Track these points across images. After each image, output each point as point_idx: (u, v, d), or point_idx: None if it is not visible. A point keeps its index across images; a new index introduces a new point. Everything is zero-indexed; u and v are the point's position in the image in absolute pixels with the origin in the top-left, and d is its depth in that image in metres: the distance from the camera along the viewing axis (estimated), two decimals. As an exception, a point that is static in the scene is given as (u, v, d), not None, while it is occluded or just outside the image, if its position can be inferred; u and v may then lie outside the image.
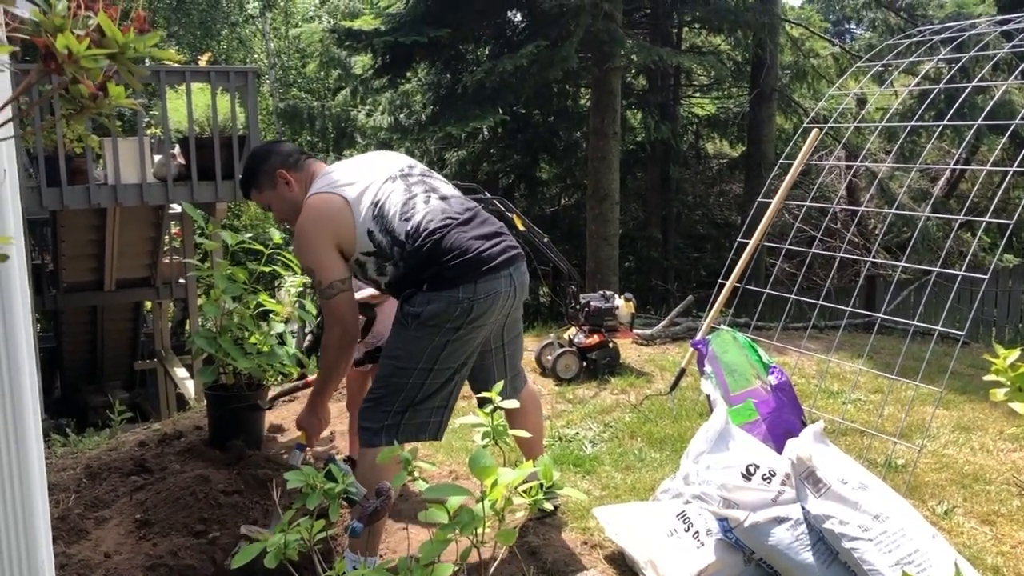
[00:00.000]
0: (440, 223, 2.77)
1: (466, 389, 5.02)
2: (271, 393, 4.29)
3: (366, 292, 3.54)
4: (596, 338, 5.47)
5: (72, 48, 1.04)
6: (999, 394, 3.67)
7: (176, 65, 7.29)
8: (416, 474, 2.30)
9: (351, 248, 2.80)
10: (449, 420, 2.92)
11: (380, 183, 2.84)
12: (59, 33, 1.05)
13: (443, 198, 2.88)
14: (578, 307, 5.55)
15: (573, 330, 5.59)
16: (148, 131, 8.24)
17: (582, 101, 12.99)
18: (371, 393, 2.84)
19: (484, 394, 2.26)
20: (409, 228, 2.75)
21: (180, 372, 9.42)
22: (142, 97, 7.02)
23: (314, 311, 4.33)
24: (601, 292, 5.69)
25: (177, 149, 7.37)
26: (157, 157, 7.40)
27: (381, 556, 3.15)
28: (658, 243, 13.21)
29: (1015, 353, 3.64)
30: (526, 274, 2.95)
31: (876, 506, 2.63)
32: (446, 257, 2.72)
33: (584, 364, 5.48)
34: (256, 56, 22.35)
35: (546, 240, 5.48)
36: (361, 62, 12.49)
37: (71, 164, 6.91)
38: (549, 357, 5.51)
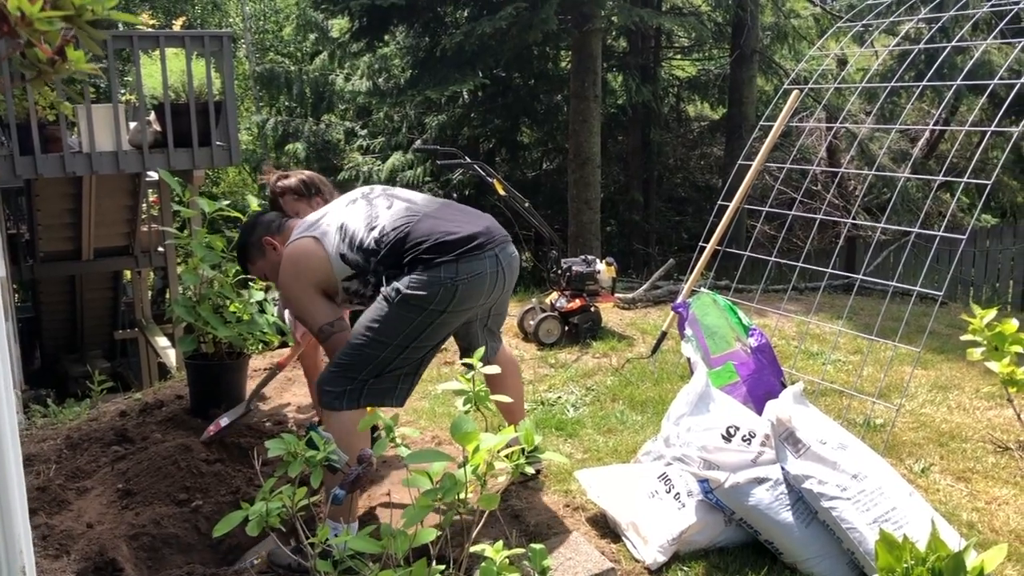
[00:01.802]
0: (404, 218, 2.81)
1: (448, 354, 5.04)
2: (248, 392, 4.19)
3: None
4: (578, 302, 5.47)
5: (25, 10, 1.00)
6: (976, 353, 3.73)
7: (149, 30, 7.14)
8: (399, 440, 2.31)
9: (332, 281, 2.84)
10: (415, 387, 2.92)
11: (342, 209, 2.92)
12: (12, -5, 1.01)
13: (407, 200, 2.93)
14: (560, 272, 5.55)
15: (555, 295, 5.59)
16: (123, 98, 8.09)
17: (563, 64, 12.87)
18: (339, 358, 2.81)
19: (466, 360, 2.25)
20: (376, 235, 2.79)
21: (161, 341, 9.36)
22: (102, 62, 6.86)
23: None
24: (583, 256, 5.69)
25: (152, 116, 7.26)
26: (132, 124, 7.28)
27: (364, 522, 3.17)
28: (639, 207, 13.19)
29: (991, 313, 3.68)
30: (515, 256, 2.94)
31: (854, 465, 2.67)
32: (419, 242, 2.73)
33: (566, 328, 5.49)
34: (232, 20, 21.98)
35: (527, 205, 5.46)
36: (338, 25, 12.31)
37: (44, 132, 6.78)
38: (531, 322, 5.52)
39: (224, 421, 3.72)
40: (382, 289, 2.78)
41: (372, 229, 2.79)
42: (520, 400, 3.42)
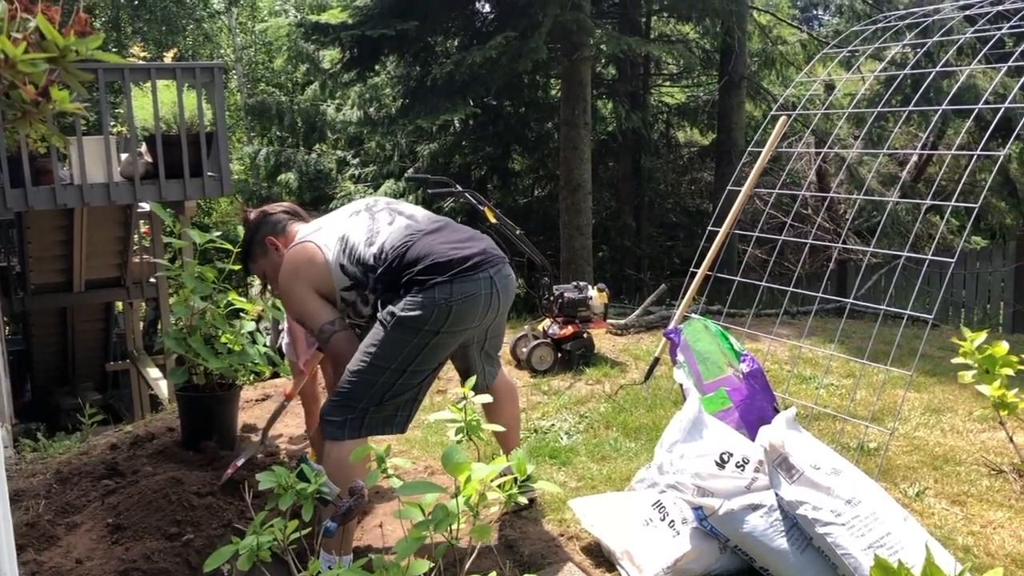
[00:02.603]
0: (404, 236, 2.82)
1: (441, 383, 5.02)
2: (263, 429, 4.14)
3: None
4: (570, 329, 5.47)
5: (8, 52, 1.01)
6: (967, 376, 3.72)
7: (140, 62, 7.17)
8: (390, 471, 2.29)
9: (330, 288, 2.85)
10: (415, 413, 2.92)
11: (345, 219, 2.94)
12: (-5, 37, 1.02)
13: (409, 216, 2.94)
14: (552, 298, 5.55)
15: (547, 321, 5.59)
16: (114, 129, 8.12)
17: (552, 92, 12.97)
18: (339, 387, 2.82)
19: (458, 389, 2.25)
20: (375, 251, 2.80)
21: (153, 373, 9.33)
22: (89, 100, 6.88)
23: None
24: (575, 283, 5.70)
25: (144, 147, 7.27)
26: (124, 156, 7.30)
27: (356, 554, 3.14)
28: (631, 232, 13.24)
29: (982, 336, 3.69)
30: (510, 277, 2.95)
31: (848, 491, 2.66)
32: (416, 263, 2.74)
33: (559, 355, 5.48)
34: (223, 52, 22.10)
35: (519, 232, 5.47)
36: (329, 56, 12.41)
37: (35, 164, 6.79)
38: (524, 349, 5.51)
39: (240, 461, 3.70)
40: (378, 314, 2.79)
41: (371, 244, 2.81)
42: (516, 428, 3.40)
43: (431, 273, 2.71)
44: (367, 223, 2.89)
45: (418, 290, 2.71)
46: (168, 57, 9.03)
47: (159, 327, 10.58)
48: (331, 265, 2.83)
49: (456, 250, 2.79)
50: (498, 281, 2.86)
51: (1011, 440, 3.80)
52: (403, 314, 2.69)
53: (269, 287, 3.24)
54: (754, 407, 3.51)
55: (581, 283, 5.67)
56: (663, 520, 2.93)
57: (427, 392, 2.93)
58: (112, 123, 8.22)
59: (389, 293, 2.78)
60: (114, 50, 16.15)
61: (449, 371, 5.60)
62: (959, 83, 8.20)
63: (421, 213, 2.99)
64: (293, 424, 4.62)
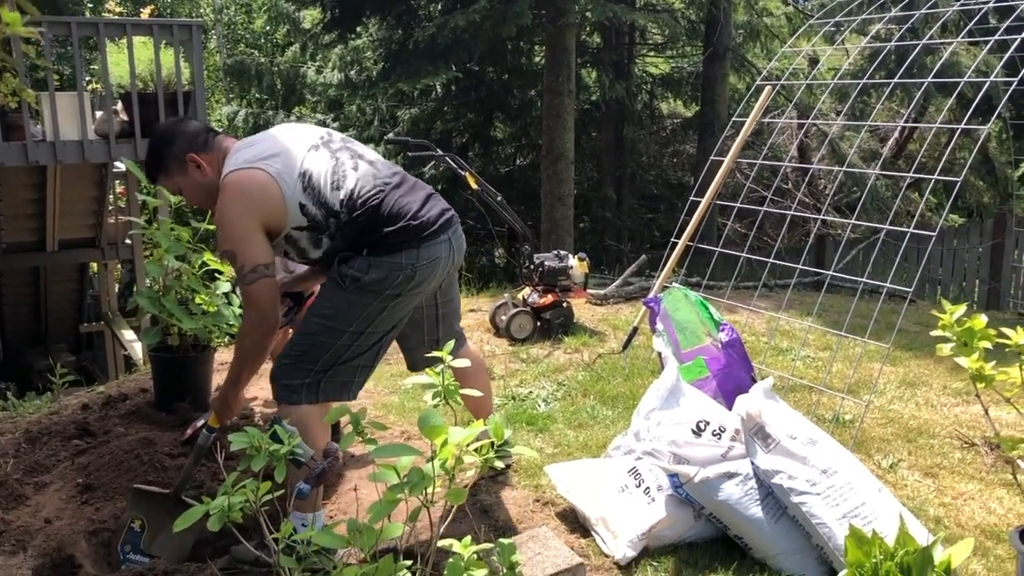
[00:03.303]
0: (374, 189, 2.68)
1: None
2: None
3: (296, 271, 3.39)
4: (550, 298, 5.45)
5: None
6: (945, 349, 3.72)
7: (115, 17, 7.01)
8: (366, 434, 2.27)
9: (281, 224, 2.66)
10: (368, 379, 2.87)
11: (303, 152, 2.70)
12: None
13: (370, 162, 2.79)
14: (532, 267, 5.52)
15: (527, 290, 5.57)
16: (89, 86, 7.95)
17: (536, 59, 12.85)
18: (291, 349, 2.73)
19: (435, 353, 2.21)
20: (342, 196, 2.65)
21: (127, 334, 9.23)
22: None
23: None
24: (555, 252, 5.67)
25: (119, 105, 7.13)
26: (99, 113, 7.16)
27: (331, 518, 3.12)
28: (612, 203, 13.21)
29: (961, 308, 3.70)
30: (463, 237, 2.90)
31: (824, 461, 2.67)
32: (387, 223, 2.65)
33: (538, 324, 5.46)
34: (202, 12, 21.72)
35: (500, 199, 5.42)
36: (310, 17, 12.21)
37: (6, 119, 6.64)
38: (503, 317, 5.49)
39: (201, 422, 3.66)
40: (331, 272, 2.69)
41: (337, 188, 2.66)
42: (488, 396, 3.36)
43: (401, 236, 2.65)
44: (329, 163, 2.70)
45: (384, 253, 2.64)
46: (145, 14, 8.84)
47: (134, 288, 10.48)
48: (287, 200, 2.62)
49: (423, 212, 2.71)
50: (455, 242, 2.82)
51: (986, 413, 3.82)
52: (366, 278, 2.62)
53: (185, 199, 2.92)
54: (732, 376, 3.51)
55: (562, 252, 5.65)
56: (638, 487, 2.93)
57: (381, 358, 2.86)
58: (87, 79, 8.05)
59: (350, 248, 2.67)
60: (89, 5, 15.83)
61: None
62: (943, 59, 8.18)
63: (379, 159, 2.85)
64: (268, 387, 4.57)
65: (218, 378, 4.21)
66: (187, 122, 2.88)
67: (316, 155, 2.71)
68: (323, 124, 13.44)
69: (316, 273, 3.06)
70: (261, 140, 2.76)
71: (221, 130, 2.96)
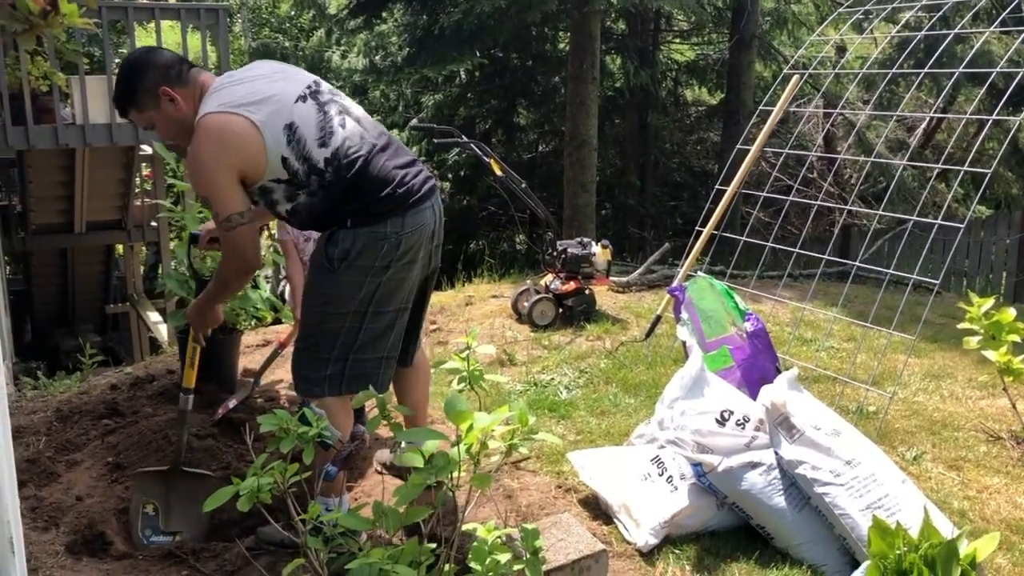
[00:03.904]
0: (360, 149, 2.59)
1: (441, 334, 5.01)
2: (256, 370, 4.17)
3: (313, 237, 3.35)
4: (572, 285, 5.45)
5: (20, -36, 0.97)
6: (972, 342, 3.72)
7: (145, 1, 7.06)
8: (392, 419, 2.29)
9: (259, 175, 2.55)
10: (393, 372, 2.81)
11: (291, 103, 2.57)
12: (6, -52, 0.98)
13: (357, 119, 2.68)
14: (555, 254, 5.52)
15: (550, 277, 5.57)
16: (117, 69, 8.02)
17: (561, 45, 12.79)
18: (302, 341, 2.70)
19: (460, 339, 2.23)
20: (328, 154, 2.55)
21: (153, 316, 9.33)
22: (97, 18, 6.74)
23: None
24: (578, 239, 5.66)
25: (147, 88, 7.19)
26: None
27: (355, 500, 3.16)
28: (635, 190, 13.15)
29: (989, 302, 3.67)
30: (441, 206, 2.81)
31: (848, 452, 2.66)
32: (373, 189, 2.57)
33: (560, 311, 5.47)
34: (228, -6, 21.78)
35: (524, 186, 5.42)
36: (336, 2, 12.22)
37: (37, 103, 6.73)
38: (525, 303, 5.50)
39: (232, 403, 3.71)
40: (318, 256, 2.63)
41: (324, 146, 2.55)
42: (424, 408, 3.16)
43: (387, 204, 2.57)
44: (317, 116, 2.58)
45: (369, 223, 2.56)
46: (172, -2, 8.90)
47: (159, 271, 10.58)
48: (270, 150, 2.50)
49: (408, 178, 2.62)
50: (437, 209, 2.74)
51: (1014, 406, 3.80)
52: (353, 251, 2.55)
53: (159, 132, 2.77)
54: (756, 366, 3.51)
55: (585, 239, 5.64)
56: (661, 475, 2.94)
57: (399, 348, 2.79)
58: (115, 62, 8.12)
59: (332, 213, 2.59)
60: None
61: (450, 322, 5.60)
62: (975, 49, 8.08)
63: (366, 117, 2.75)
64: (293, 370, 4.61)
65: (245, 360, 4.26)
66: (160, 52, 2.73)
67: (304, 106, 2.59)
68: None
69: None
70: (245, 80, 2.63)
71: (198, 64, 2.81)
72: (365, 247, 2.56)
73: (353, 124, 2.64)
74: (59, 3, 1.02)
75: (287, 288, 4.14)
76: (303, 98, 2.60)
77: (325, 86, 2.73)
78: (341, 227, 2.58)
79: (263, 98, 2.54)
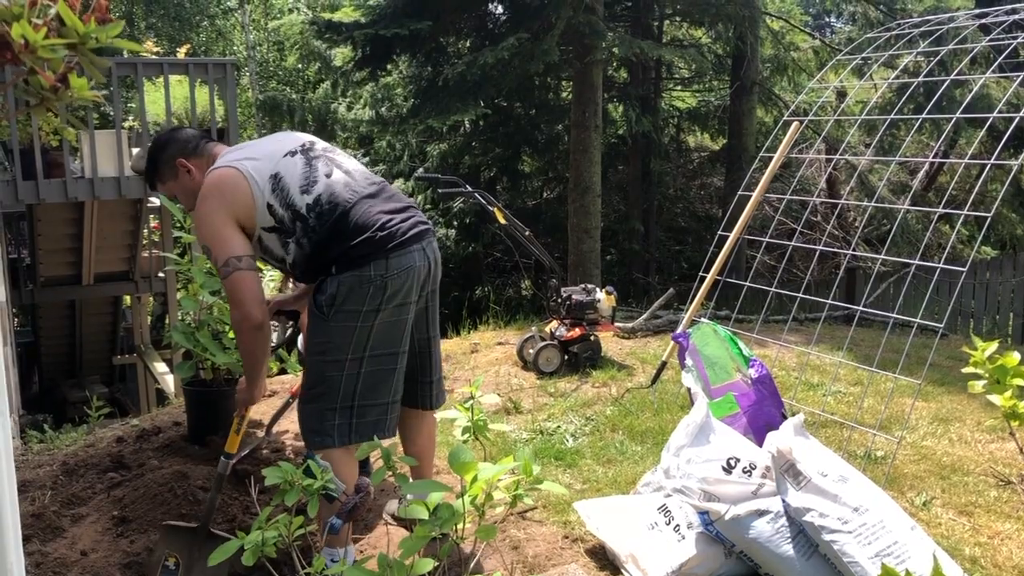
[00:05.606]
0: (343, 197, 2.68)
1: (447, 383, 5.00)
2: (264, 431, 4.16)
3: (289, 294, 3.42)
4: (578, 331, 5.46)
5: (29, 38, 1.01)
6: (977, 386, 3.70)
7: (153, 57, 7.19)
8: (396, 469, 2.29)
9: (251, 222, 2.69)
10: (399, 417, 2.86)
11: (279, 157, 2.74)
12: (15, 22, 1.02)
13: (346, 172, 2.78)
14: (560, 300, 5.55)
15: (555, 323, 5.58)
16: (126, 124, 8.15)
17: (564, 94, 12.95)
18: (306, 393, 2.75)
19: (464, 389, 2.24)
20: (310, 201, 2.65)
21: (160, 367, 9.35)
22: (105, 90, 6.90)
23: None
24: (583, 285, 5.69)
25: (155, 142, 7.29)
26: (135, 150, 7.33)
27: (361, 552, 3.14)
28: (639, 236, 13.21)
29: (993, 345, 3.67)
30: (438, 250, 2.87)
31: (856, 498, 2.64)
32: (353, 235, 2.63)
33: (566, 357, 5.47)
34: (235, 48, 22.16)
35: (528, 233, 5.47)
36: (341, 55, 12.41)
37: (47, 157, 6.83)
38: (531, 350, 5.50)
39: (242, 453, 3.70)
40: (312, 306, 2.70)
41: (306, 193, 2.67)
42: (430, 462, 3.25)
43: (367, 248, 2.62)
44: (303, 168, 2.72)
45: (351, 267, 2.62)
46: (181, 53, 9.05)
47: (166, 322, 10.62)
48: (257, 199, 2.66)
49: (393, 223, 2.68)
50: (429, 253, 2.78)
51: (1021, 451, 3.77)
52: (335, 293, 2.61)
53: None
54: (762, 413, 3.50)
55: (589, 286, 5.67)
56: (668, 524, 2.92)
57: (401, 391, 2.85)
58: (124, 117, 8.25)
59: (318, 260, 2.67)
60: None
61: (455, 370, 5.60)
62: (972, 92, 8.16)
63: (358, 169, 2.84)
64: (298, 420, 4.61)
65: (251, 411, 4.24)
66: (181, 130, 2.97)
67: (291, 160, 2.75)
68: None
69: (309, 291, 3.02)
70: (246, 145, 2.85)
71: (214, 139, 3.02)
72: (351, 291, 2.62)
73: (340, 175, 2.76)
74: (68, 78, 1.06)
75: (301, 339, 4.15)
76: (292, 153, 2.78)
77: (321, 145, 2.87)
78: (327, 274, 2.66)
79: (256, 155, 2.75)
